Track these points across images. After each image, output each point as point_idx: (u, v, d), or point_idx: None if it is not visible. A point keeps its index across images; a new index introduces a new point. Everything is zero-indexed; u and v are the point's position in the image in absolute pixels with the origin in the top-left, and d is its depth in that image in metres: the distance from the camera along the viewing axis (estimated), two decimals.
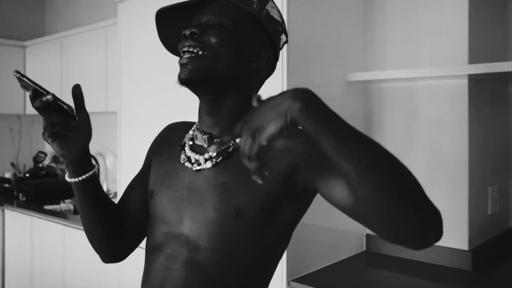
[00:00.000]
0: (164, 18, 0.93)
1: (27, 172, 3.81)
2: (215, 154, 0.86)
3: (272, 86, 1.73)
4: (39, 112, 0.79)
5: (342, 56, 2.01)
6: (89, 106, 3.06)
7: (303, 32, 1.78)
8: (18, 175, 3.83)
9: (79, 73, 3.31)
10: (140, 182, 1.01)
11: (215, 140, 0.88)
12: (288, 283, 1.70)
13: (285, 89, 1.69)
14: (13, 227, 3.43)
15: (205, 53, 0.82)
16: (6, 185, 3.86)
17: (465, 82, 1.87)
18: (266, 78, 0.95)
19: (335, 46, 1.97)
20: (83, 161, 0.89)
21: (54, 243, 2.98)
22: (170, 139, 0.99)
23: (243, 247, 0.83)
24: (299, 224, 1.68)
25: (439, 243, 1.92)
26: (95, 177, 0.92)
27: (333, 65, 1.96)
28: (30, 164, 4.08)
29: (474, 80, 1.89)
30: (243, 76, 0.87)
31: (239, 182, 0.83)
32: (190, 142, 0.93)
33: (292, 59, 1.71)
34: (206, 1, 0.87)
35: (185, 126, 1.00)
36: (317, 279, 1.74)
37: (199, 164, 0.88)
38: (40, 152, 3.90)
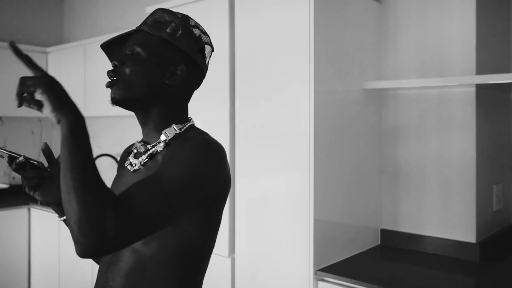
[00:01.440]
0: (108, 47, 1.11)
1: None
2: (145, 157, 1.05)
3: (299, 90, 1.92)
4: (16, 173, 0.98)
5: (359, 66, 2.19)
6: (112, 110, 3.31)
7: (327, 43, 1.96)
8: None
9: (102, 79, 3.47)
10: None
11: (148, 146, 1.06)
12: (315, 272, 1.89)
13: (312, 92, 1.88)
14: (39, 225, 3.60)
15: (120, 81, 1.01)
16: None
17: (473, 90, 2.05)
18: (194, 87, 1.14)
19: (353, 56, 2.15)
20: None
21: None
22: (124, 154, 1.19)
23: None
24: (322, 221, 1.89)
25: (449, 237, 2.11)
26: None
27: (352, 74, 2.14)
28: None
29: (481, 89, 2.08)
30: (161, 92, 1.04)
31: None
32: (135, 151, 1.11)
33: (318, 67, 1.89)
34: (130, 33, 1.06)
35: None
36: (339, 269, 1.92)
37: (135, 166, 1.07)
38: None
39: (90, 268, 3.10)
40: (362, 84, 2.19)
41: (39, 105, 0.84)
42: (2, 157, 1.04)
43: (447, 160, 2.13)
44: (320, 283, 1.90)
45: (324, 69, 1.95)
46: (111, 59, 1.10)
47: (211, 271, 2.22)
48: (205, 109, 2.29)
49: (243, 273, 2.15)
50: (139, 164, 1.05)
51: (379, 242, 2.33)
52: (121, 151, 3.79)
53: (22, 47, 3.83)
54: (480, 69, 2.08)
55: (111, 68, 1.04)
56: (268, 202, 2.05)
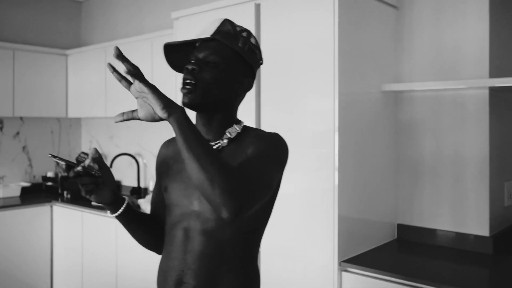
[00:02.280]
0: (169, 48, 1.21)
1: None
2: None
3: (324, 92, 2.04)
4: (74, 180, 1.10)
5: (378, 68, 2.32)
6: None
7: (350, 46, 2.08)
8: (62, 173, 4.12)
9: None
10: (159, 192, 1.32)
11: (211, 143, 1.19)
12: (340, 263, 2.02)
13: (336, 93, 2.01)
14: (61, 222, 3.73)
15: (199, 86, 1.12)
16: (49, 183, 4.15)
17: (486, 92, 2.17)
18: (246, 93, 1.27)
19: (372, 59, 2.28)
20: (116, 201, 1.20)
21: (106, 236, 3.28)
22: (170, 151, 1.29)
23: None
24: (346, 216, 2.00)
25: (463, 231, 2.23)
26: (129, 207, 1.24)
27: (371, 76, 2.27)
28: None
29: (494, 91, 2.20)
30: (229, 99, 1.19)
31: None
32: None
33: (342, 69, 2.02)
34: (203, 40, 1.19)
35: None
36: (360, 261, 2.05)
37: None
38: (83, 152, 4.19)
39: (114, 263, 3.22)
40: (380, 86, 2.31)
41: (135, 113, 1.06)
42: (58, 163, 1.18)
43: (461, 158, 2.26)
44: (344, 274, 2.02)
45: (347, 72, 2.07)
46: (170, 60, 1.23)
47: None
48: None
49: (269, 265, 2.27)
50: None
51: (395, 237, 2.45)
52: (139, 150, 3.92)
53: (42, 49, 3.97)
54: (493, 72, 2.20)
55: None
56: (294, 198, 2.17)
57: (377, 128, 2.32)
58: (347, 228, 2.08)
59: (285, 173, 2.19)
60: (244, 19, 2.34)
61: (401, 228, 2.44)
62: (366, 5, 2.23)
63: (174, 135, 1.20)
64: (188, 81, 1.13)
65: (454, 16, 2.29)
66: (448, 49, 2.31)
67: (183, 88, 1.13)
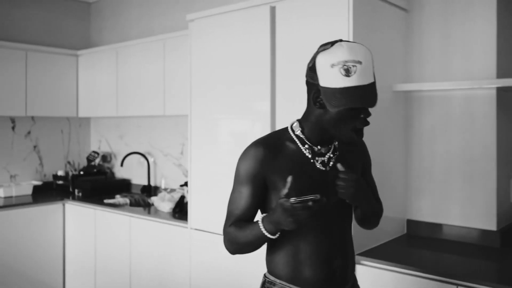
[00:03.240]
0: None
1: (81, 170, 4.18)
2: (330, 160, 1.41)
3: None
4: (309, 212, 1.20)
5: (389, 69, 2.40)
6: (141, 111, 3.57)
7: (365, 43, 2.16)
8: (73, 172, 4.20)
9: (134, 81, 3.68)
10: (256, 198, 1.39)
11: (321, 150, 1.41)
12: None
13: None
14: (74, 220, 3.80)
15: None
16: (60, 182, 4.22)
17: (493, 92, 2.26)
18: None
19: (384, 60, 2.36)
20: None
21: (120, 233, 3.35)
22: (278, 154, 1.38)
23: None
24: None
25: (471, 225, 2.32)
26: None
27: (383, 77, 2.35)
28: (79, 162, 4.45)
29: (501, 91, 2.29)
30: None
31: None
32: (309, 153, 1.39)
33: None
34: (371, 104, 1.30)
35: (277, 140, 1.41)
36: (373, 254, 2.13)
37: (324, 166, 1.40)
38: (94, 151, 4.27)
39: (127, 261, 3.30)
40: (392, 86, 2.40)
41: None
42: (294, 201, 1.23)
43: (469, 156, 2.34)
44: (358, 266, 2.10)
45: None
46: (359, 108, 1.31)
47: (251, 258, 2.42)
48: (247, 110, 2.49)
49: None
50: (327, 166, 1.40)
51: (405, 231, 2.54)
52: (149, 149, 4.00)
53: (53, 50, 4.03)
54: (500, 73, 2.28)
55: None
56: None
57: (388, 126, 2.40)
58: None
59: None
60: (259, 22, 2.42)
61: (411, 223, 2.53)
62: (378, 9, 2.31)
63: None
64: (363, 126, 1.33)
65: (462, 18, 2.37)
66: (457, 50, 2.39)
67: (360, 132, 1.34)
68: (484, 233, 2.28)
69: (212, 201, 2.65)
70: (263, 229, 1.28)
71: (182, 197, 3.23)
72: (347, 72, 1.22)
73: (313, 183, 1.35)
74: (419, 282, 1.94)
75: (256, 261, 2.45)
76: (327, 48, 1.27)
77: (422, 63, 2.50)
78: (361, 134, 1.34)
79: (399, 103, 2.49)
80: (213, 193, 2.64)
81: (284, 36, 2.35)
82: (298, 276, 1.37)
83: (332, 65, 1.23)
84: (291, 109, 2.32)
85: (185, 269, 2.84)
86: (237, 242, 1.37)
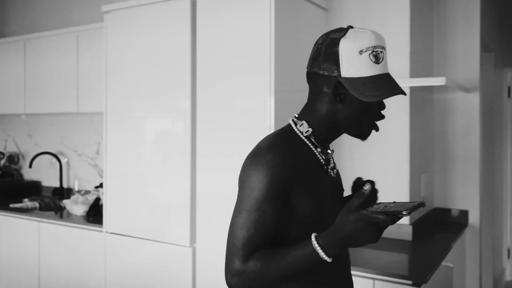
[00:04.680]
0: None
1: None
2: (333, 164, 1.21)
3: (261, 89, 2.10)
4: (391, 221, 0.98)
5: None
6: (51, 108, 3.38)
7: (285, 46, 2.16)
8: None
9: (45, 76, 3.42)
10: (278, 217, 1.08)
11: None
12: None
13: (272, 91, 2.07)
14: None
15: None
16: None
17: (407, 91, 2.35)
18: None
19: (305, 58, 2.37)
20: None
21: (27, 240, 3.09)
22: (296, 160, 1.11)
23: None
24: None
25: None
26: None
27: (304, 75, 2.36)
28: None
29: (415, 90, 2.39)
30: None
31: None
32: (322, 158, 1.18)
33: (278, 67, 2.09)
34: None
35: (289, 142, 1.14)
36: None
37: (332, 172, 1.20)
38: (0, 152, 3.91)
39: (35, 270, 3.05)
40: None
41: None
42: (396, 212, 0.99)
43: (384, 153, 2.42)
44: None
45: (282, 70, 2.14)
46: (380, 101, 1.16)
47: (172, 260, 2.34)
48: (167, 109, 2.40)
49: (205, 261, 2.28)
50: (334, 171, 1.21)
51: None
52: (61, 148, 3.75)
53: None
54: (413, 72, 2.38)
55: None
56: (229, 194, 2.20)
57: None
58: None
59: (221, 170, 2.23)
60: (179, 16, 2.34)
61: None
62: (299, 7, 2.32)
63: None
64: (378, 121, 1.18)
65: (378, 18, 2.45)
66: None
67: (376, 126, 1.17)
68: (399, 227, 2.37)
69: (129, 203, 2.52)
70: (321, 253, 1.01)
71: (97, 199, 3.04)
72: (376, 59, 1.08)
73: (325, 193, 1.15)
74: None
75: (175, 265, 2.36)
76: (344, 35, 1.09)
77: None
78: (377, 128, 1.19)
79: None
80: (131, 195, 2.51)
81: (205, 31, 2.28)
82: None
83: (361, 52, 1.07)
84: (213, 107, 2.26)
85: (100, 275, 2.67)
86: (268, 276, 1.04)
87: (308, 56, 1.25)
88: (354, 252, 2.22)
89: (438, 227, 2.61)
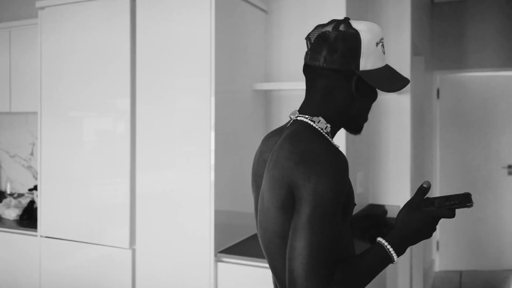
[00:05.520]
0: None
1: None
2: None
3: (201, 90, 2.11)
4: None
5: (249, 68, 2.46)
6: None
7: (225, 47, 2.18)
8: None
9: (31, 68, 3.18)
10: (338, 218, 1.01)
11: None
12: (215, 255, 2.11)
13: (212, 92, 2.09)
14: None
15: None
16: None
17: None
18: None
19: (245, 60, 2.41)
20: None
21: None
22: (346, 162, 1.06)
23: None
24: (221, 210, 2.10)
25: None
26: None
27: (245, 76, 2.40)
28: None
29: None
30: None
31: None
32: None
33: (218, 68, 2.11)
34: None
35: (326, 140, 1.09)
36: (234, 250, 2.17)
37: None
38: None
39: None
40: (252, 85, 2.46)
41: None
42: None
43: None
44: (220, 264, 2.11)
45: (223, 71, 2.16)
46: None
47: (111, 263, 2.30)
48: (106, 108, 2.35)
49: (145, 263, 2.26)
50: None
51: None
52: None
53: None
54: None
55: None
56: (171, 196, 2.20)
57: (248, 125, 2.45)
58: (223, 221, 2.18)
59: (162, 170, 2.22)
60: (118, 14, 2.30)
61: None
62: (240, 8, 2.35)
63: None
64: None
65: (316, 21, 2.50)
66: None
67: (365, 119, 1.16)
68: None
69: (66, 206, 2.45)
70: (394, 256, 1.01)
71: (32, 202, 2.93)
72: (384, 49, 1.11)
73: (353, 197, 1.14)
74: None
75: (114, 268, 2.32)
76: (359, 29, 1.07)
77: (281, 63, 2.61)
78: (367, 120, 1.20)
79: (260, 102, 2.56)
80: (67, 197, 2.44)
81: (145, 31, 2.26)
82: None
83: (377, 44, 1.08)
84: (154, 107, 2.24)
85: (34, 281, 2.57)
86: (360, 280, 1.00)
87: (247, 58, 1.26)
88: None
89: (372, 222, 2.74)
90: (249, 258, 2.07)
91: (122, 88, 2.29)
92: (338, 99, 1.10)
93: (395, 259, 1.01)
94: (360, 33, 1.06)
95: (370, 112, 1.20)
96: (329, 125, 1.09)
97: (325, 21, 2.48)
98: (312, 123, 1.09)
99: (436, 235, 4.53)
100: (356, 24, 1.08)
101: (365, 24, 1.09)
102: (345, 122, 1.14)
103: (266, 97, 2.62)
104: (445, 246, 4.50)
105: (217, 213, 2.12)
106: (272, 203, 1.03)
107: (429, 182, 1.07)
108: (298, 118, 1.12)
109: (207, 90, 2.11)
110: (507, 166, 4.58)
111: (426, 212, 1.03)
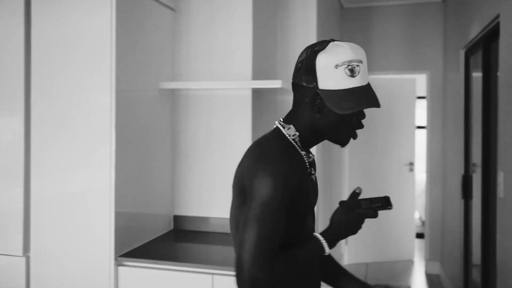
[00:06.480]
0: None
1: None
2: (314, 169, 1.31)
3: (101, 89, 2.03)
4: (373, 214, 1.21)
5: (155, 67, 2.40)
6: None
7: (127, 45, 2.11)
8: None
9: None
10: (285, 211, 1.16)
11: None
12: (116, 258, 2.04)
13: (113, 90, 2.02)
14: None
15: None
16: None
17: (249, 93, 2.47)
18: None
19: (151, 58, 2.35)
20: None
21: None
22: (299, 165, 1.20)
23: None
24: (122, 212, 2.05)
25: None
26: None
27: (148, 75, 2.34)
28: None
29: (256, 92, 2.51)
30: None
31: None
32: (307, 162, 1.26)
33: (119, 67, 2.04)
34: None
35: (286, 145, 1.21)
36: (136, 253, 2.11)
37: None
38: None
39: None
40: (158, 84, 2.40)
41: None
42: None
43: (228, 152, 2.50)
44: (120, 268, 2.05)
45: (124, 70, 2.09)
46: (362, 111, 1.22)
47: (4, 272, 2.14)
48: None
49: (40, 270, 2.13)
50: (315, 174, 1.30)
51: (172, 227, 2.59)
52: None
53: None
54: (256, 75, 2.51)
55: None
56: (69, 198, 2.10)
57: (154, 125, 2.40)
58: (124, 223, 2.12)
59: (59, 172, 2.11)
60: (12, 10, 2.16)
61: (178, 218, 2.58)
62: (145, 6, 2.29)
63: None
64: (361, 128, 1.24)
65: (225, 21, 2.52)
66: (219, 51, 2.53)
67: (355, 134, 1.23)
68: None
69: None
70: (326, 247, 1.18)
71: None
72: (352, 73, 1.15)
73: (310, 194, 1.25)
74: (180, 275, 1.99)
75: (7, 276, 2.18)
76: (323, 48, 1.17)
77: (189, 63, 2.58)
78: (355, 136, 1.26)
79: (166, 101, 2.52)
80: None
81: (41, 28, 2.13)
82: None
83: (337, 66, 1.14)
84: (50, 107, 2.12)
85: None
86: (289, 277, 1.17)
87: (153, 57, 1.25)
88: (192, 250, 2.27)
89: None
90: (151, 260, 2.03)
91: (15, 86, 2.15)
92: (302, 112, 1.22)
93: (326, 251, 1.19)
94: (319, 53, 1.16)
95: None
96: (297, 133, 1.22)
97: (233, 21, 2.49)
98: (282, 128, 1.23)
99: None
100: (330, 46, 1.17)
101: (338, 46, 1.17)
102: (319, 135, 1.24)
103: (174, 96, 2.58)
104: (353, 240, 4.73)
105: (118, 215, 2.06)
106: (234, 197, 1.21)
107: (360, 188, 1.22)
108: (276, 124, 1.26)
109: (107, 88, 2.03)
110: (409, 163, 4.90)
111: (356, 214, 1.20)
